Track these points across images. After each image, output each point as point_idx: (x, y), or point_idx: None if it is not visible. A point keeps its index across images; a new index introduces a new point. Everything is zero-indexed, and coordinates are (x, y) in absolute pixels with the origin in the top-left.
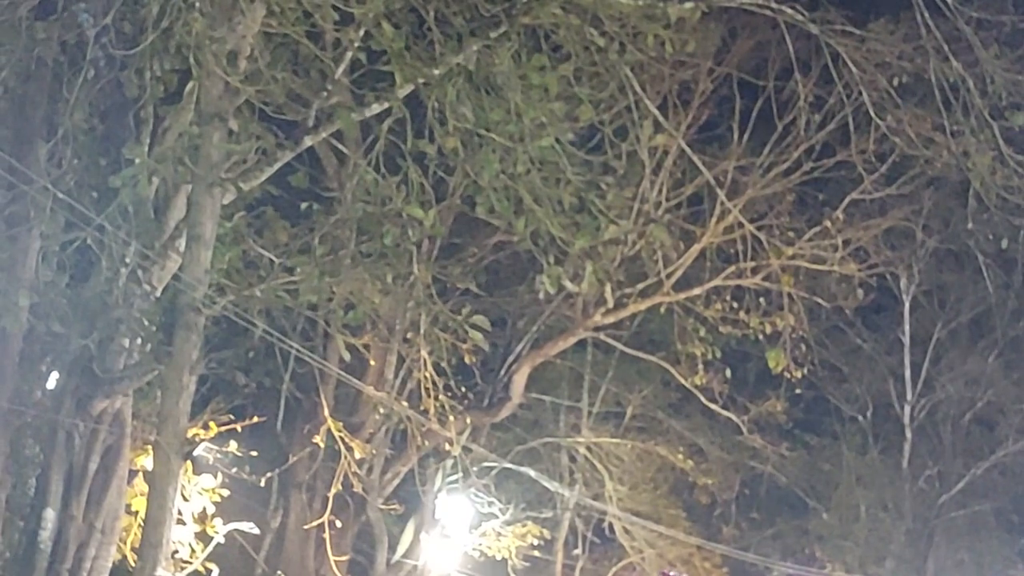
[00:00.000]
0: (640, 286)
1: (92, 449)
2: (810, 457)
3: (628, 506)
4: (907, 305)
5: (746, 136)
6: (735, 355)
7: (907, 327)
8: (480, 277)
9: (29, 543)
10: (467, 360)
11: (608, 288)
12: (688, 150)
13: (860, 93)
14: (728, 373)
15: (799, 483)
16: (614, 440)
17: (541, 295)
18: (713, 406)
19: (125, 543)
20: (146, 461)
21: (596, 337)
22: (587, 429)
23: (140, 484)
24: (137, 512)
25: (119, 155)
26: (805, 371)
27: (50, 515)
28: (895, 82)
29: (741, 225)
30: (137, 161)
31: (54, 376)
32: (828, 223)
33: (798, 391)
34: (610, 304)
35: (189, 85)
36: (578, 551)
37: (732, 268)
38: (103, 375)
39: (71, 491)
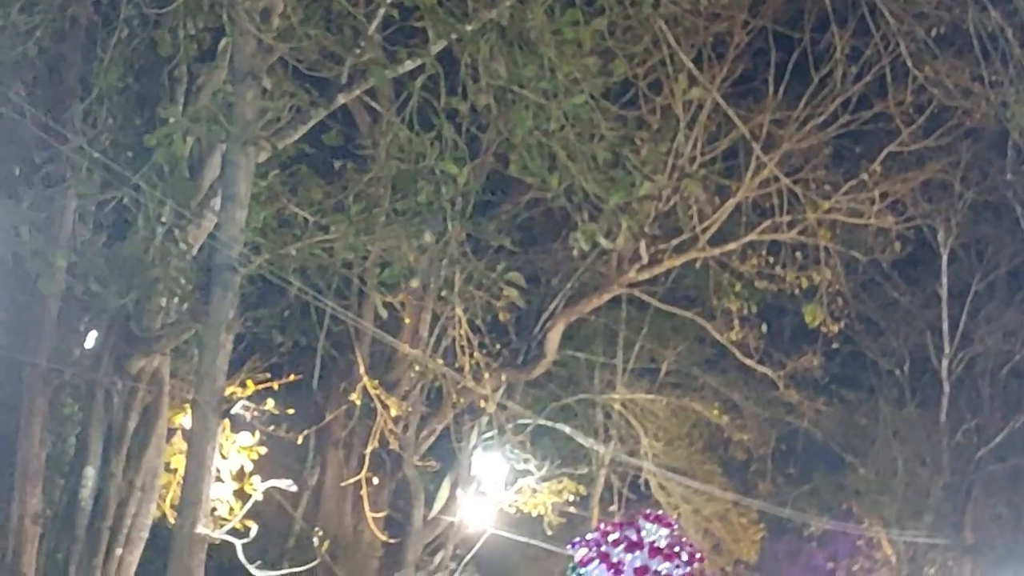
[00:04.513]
0: (675, 241)
1: (131, 408)
2: (847, 412)
3: (663, 462)
4: (945, 258)
5: (782, 89)
6: (771, 310)
7: (944, 280)
8: (514, 234)
9: (70, 501)
10: (501, 317)
11: (643, 244)
12: (723, 104)
13: (897, 44)
14: (764, 328)
15: (836, 438)
16: (649, 396)
17: (575, 252)
18: (748, 361)
19: (165, 500)
20: (184, 419)
21: (631, 293)
22: (622, 386)
23: (179, 442)
24: (176, 470)
25: (154, 114)
26: (842, 325)
27: (90, 473)
28: (933, 32)
29: (777, 179)
30: (171, 120)
31: (92, 335)
32: (865, 176)
33: (834, 346)
34: (645, 260)
35: (222, 43)
36: (614, 507)
37: (768, 222)
38: (141, 334)
39: (110, 449)
